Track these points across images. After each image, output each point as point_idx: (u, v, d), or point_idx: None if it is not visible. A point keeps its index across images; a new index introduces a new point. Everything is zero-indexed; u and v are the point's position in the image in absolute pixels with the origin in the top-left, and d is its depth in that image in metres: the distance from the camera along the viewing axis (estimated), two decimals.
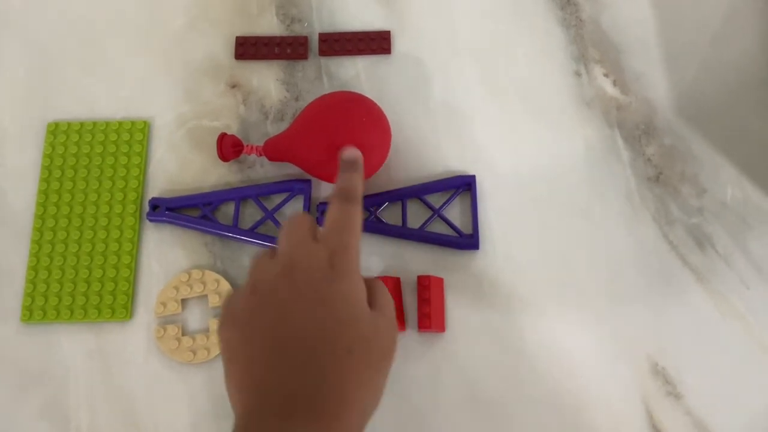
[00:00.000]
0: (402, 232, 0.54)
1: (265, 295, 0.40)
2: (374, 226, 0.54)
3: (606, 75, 0.58)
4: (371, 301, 0.42)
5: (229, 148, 0.54)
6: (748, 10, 0.60)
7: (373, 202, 0.54)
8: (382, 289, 0.43)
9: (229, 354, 0.41)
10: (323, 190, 0.55)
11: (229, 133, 0.56)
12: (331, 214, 0.44)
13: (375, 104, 0.53)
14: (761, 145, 0.56)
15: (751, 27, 0.59)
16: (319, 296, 0.40)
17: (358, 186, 0.46)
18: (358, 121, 0.52)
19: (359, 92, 0.54)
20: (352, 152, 0.49)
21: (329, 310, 0.40)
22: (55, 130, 0.57)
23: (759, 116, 0.57)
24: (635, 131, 0.57)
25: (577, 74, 0.58)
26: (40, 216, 0.55)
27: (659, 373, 0.50)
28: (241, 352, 0.40)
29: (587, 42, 0.59)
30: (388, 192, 0.55)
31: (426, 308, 0.51)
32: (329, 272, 0.40)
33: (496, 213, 0.55)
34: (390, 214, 0.55)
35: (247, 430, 0.38)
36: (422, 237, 0.54)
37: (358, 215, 0.44)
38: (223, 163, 0.56)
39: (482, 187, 0.55)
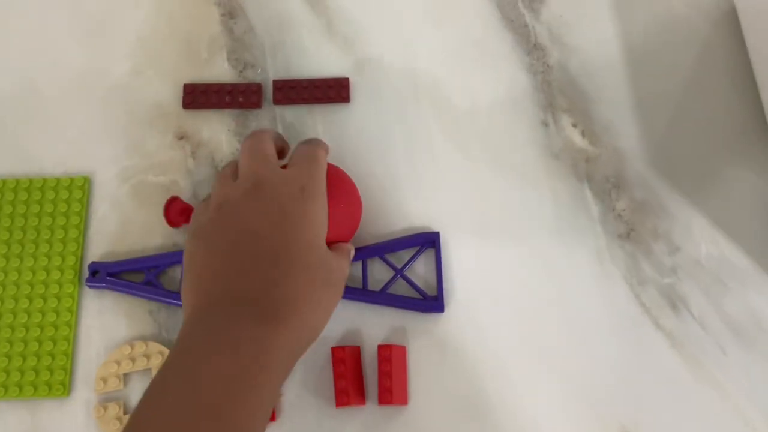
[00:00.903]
0: (363, 295, 0.51)
1: (230, 212, 0.42)
2: None
3: (574, 125, 0.56)
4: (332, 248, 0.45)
5: (177, 215, 0.51)
6: (720, 57, 0.58)
7: None
8: (345, 249, 0.47)
9: (190, 264, 0.42)
10: None
11: (177, 191, 0.53)
12: (298, 152, 0.47)
13: (346, 179, 0.50)
14: (736, 199, 0.54)
15: (725, 75, 0.57)
16: (285, 213, 0.42)
17: (322, 143, 0.48)
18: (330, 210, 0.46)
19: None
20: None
21: (294, 228, 0.42)
22: None
23: (734, 168, 0.54)
24: (605, 184, 0.54)
25: (545, 124, 0.56)
26: None
27: None
28: (200, 262, 0.42)
29: (555, 89, 0.56)
30: None
31: (387, 382, 0.48)
32: (297, 194, 0.43)
33: (461, 272, 0.52)
34: (350, 275, 0.52)
35: (195, 323, 0.39)
36: (384, 300, 0.51)
37: (323, 155, 0.47)
38: None
39: (447, 244, 0.52)
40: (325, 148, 0.48)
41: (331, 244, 0.46)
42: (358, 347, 0.50)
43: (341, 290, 0.45)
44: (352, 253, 0.49)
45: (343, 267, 0.46)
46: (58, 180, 0.53)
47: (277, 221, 0.42)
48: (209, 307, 0.40)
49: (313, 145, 0.47)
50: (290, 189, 0.43)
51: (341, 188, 0.49)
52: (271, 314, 0.39)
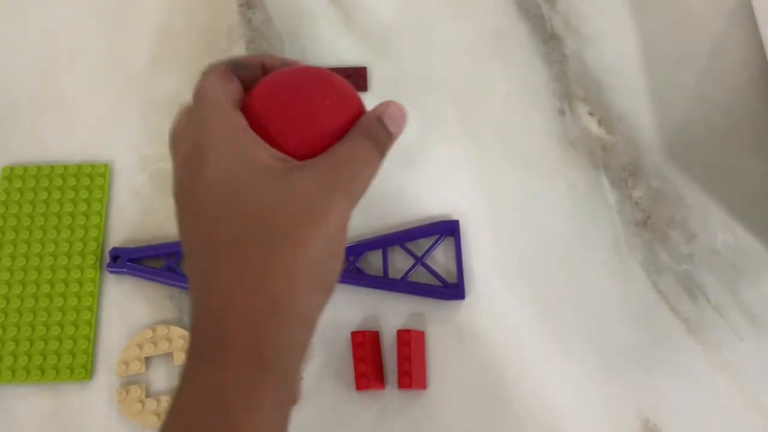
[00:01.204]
0: (384, 283, 0.51)
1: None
2: (354, 278, 0.51)
3: (591, 113, 0.56)
4: None
5: None
6: (735, 47, 0.58)
7: (352, 251, 0.51)
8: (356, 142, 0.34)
9: None
10: None
11: None
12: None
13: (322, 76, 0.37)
14: (752, 187, 0.54)
15: (739, 64, 0.57)
16: (188, 197, 0.32)
17: (214, 67, 0.36)
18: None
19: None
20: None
21: (191, 204, 0.31)
22: (10, 174, 0.53)
23: (749, 157, 0.55)
24: (622, 173, 0.54)
25: (561, 112, 0.56)
26: None
27: None
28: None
29: (571, 79, 0.57)
30: (367, 241, 0.52)
31: (406, 366, 0.48)
32: (194, 157, 0.31)
33: (479, 260, 0.52)
34: (370, 264, 0.52)
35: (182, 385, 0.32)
36: (405, 288, 0.51)
37: (209, 82, 0.35)
38: None
39: (464, 232, 0.53)
40: (220, 70, 0.35)
41: (332, 140, 0.35)
42: (377, 332, 0.50)
43: (324, 214, 0.31)
44: (398, 121, 0.35)
45: (319, 178, 0.32)
46: (79, 167, 0.54)
47: (189, 212, 0.32)
48: (188, 361, 0.32)
49: (201, 77, 0.35)
50: (185, 157, 0.32)
51: (301, 77, 0.36)
52: (223, 349, 0.30)
